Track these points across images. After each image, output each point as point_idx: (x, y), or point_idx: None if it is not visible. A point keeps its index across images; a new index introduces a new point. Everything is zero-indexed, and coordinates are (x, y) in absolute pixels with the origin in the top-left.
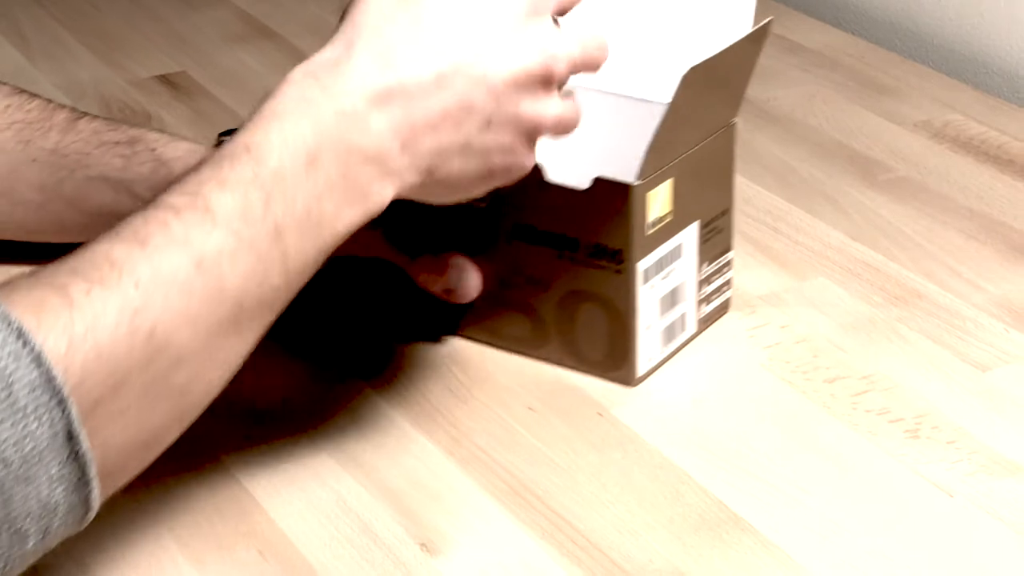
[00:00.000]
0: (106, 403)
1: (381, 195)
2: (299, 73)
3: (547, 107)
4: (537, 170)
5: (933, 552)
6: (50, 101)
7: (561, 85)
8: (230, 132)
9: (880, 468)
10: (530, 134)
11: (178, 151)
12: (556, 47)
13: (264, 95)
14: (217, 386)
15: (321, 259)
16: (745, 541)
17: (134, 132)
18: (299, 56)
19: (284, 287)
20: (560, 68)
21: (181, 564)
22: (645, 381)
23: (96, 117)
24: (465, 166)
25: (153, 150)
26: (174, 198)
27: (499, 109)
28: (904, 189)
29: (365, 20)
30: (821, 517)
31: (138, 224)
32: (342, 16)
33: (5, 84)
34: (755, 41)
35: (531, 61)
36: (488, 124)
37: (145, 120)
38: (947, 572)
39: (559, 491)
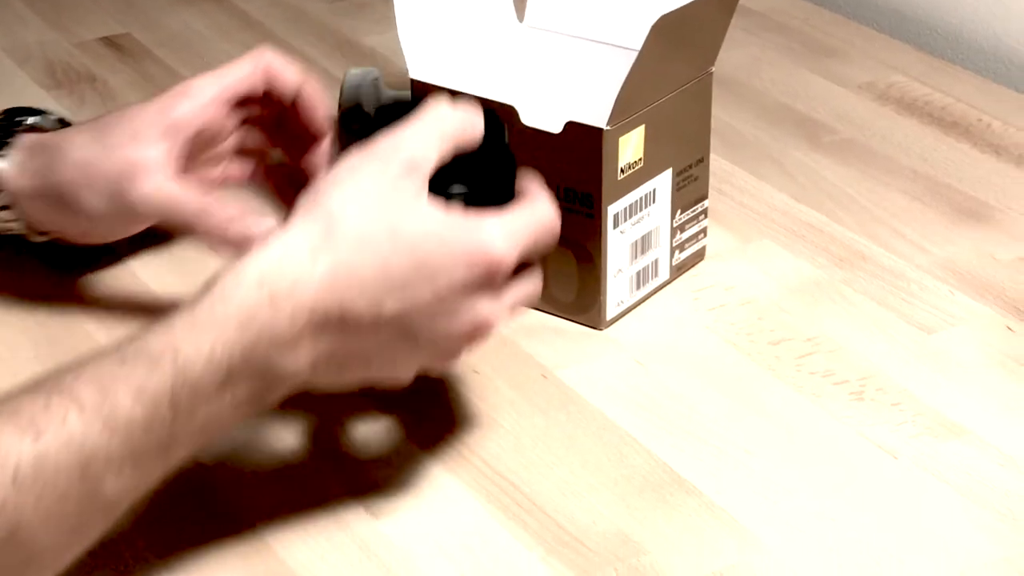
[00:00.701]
0: None
1: (269, 406)
2: (253, 279)
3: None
4: (511, 114)
5: (878, 513)
6: None
7: None
8: (18, 111)
9: (825, 430)
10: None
11: None
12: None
13: (210, 278)
14: (64, 567)
15: (197, 454)
16: (689, 503)
17: None
18: (244, 19)
19: (156, 483)
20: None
21: None
22: (589, 342)
23: None
24: (349, 383)
25: None
26: (83, 389)
27: (410, 357)
28: (848, 151)
29: (343, 227)
30: (765, 479)
31: (38, 408)
32: (315, 191)
33: None
34: None
35: (461, 331)
36: (392, 364)
37: (89, 82)
38: (892, 533)
39: (504, 453)
